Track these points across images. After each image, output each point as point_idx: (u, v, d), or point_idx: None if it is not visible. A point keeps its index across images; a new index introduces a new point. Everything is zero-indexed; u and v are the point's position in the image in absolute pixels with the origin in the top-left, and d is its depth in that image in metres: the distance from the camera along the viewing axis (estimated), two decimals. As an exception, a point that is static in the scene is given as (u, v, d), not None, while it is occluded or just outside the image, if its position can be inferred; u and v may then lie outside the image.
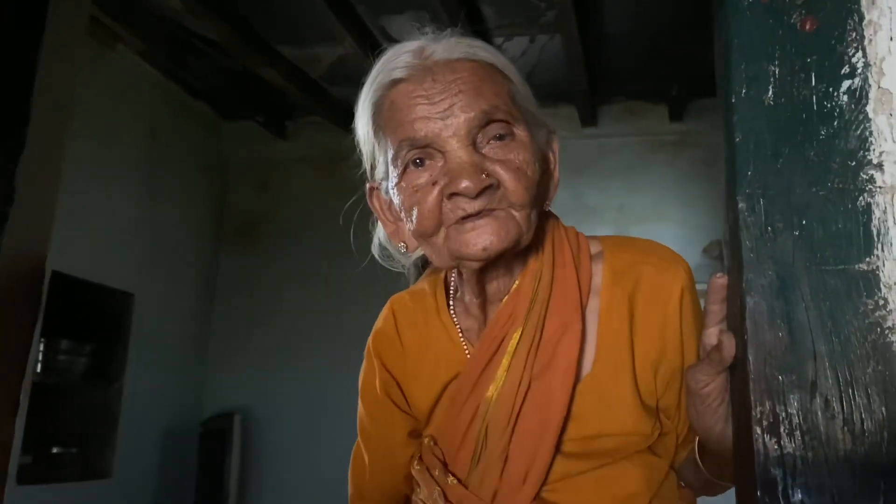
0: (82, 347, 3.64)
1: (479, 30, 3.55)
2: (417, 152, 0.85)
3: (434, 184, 0.84)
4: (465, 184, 0.80)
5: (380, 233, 1.01)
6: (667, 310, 0.90)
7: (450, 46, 0.87)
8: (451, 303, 1.00)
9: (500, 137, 0.85)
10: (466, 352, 0.96)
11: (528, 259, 0.93)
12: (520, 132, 0.86)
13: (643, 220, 4.25)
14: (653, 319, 0.90)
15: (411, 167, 0.86)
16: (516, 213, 0.84)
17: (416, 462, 0.97)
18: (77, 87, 1.05)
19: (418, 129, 0.84)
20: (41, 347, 3.43)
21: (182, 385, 4.37)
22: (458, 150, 0.83)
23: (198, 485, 4.23)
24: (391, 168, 0.88)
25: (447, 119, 0.83)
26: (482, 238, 0.82)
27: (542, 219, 0.94)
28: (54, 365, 3.50)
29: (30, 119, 0.88)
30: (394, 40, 3.45)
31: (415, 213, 0.86)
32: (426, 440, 0.98)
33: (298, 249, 4.49)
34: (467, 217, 0.83)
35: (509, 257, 0.90)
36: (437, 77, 0.85)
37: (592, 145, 4.43)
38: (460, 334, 0.98)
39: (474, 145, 0.83)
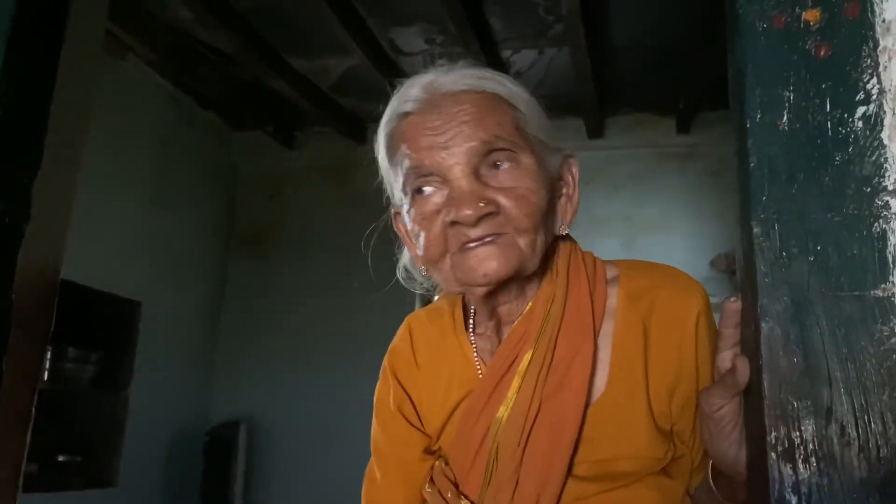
0: (89, 355, 3.64)
1: (487, 42, 3.56)
2: (423, 181, 0.88)
3: (438, 212, 0.86)
4: (463, 212, 0.83)
5: (404, 256, 1.02)
6: (682, 334, 0.90)
7: (456, 78, 0.90)
8: (469, 322, 1.01)
9: (498, 165, 0.87)
10: (479, 371, 0.97)
11: (543, 282, 0.94)
12: (525, 159, 0.87)
13: (651, 232, 4.25)
14: (668, 344, 0.90)
15: (418, 195, 0.89)
16: (520, 239, 0.85)
17: (427, 485, 0.97)
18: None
19: (423, 159, 0.87)
20: (48, 355, 3.44)
21: (188, 394, 4.38)
22: (459, 179, 0.85)
23: (203, 494, 4.23)
24: (403, 196, 0.91)
25: (450, 149, 0.85)
26: (484, 265, 0.85)
27: (558, 242, 0.96)
28: (61, 372, 3.51)
29: (46, 135, 0.89)
30: (402, 52, 3.50)
31: (422, 239, 0.88)
32: (438, 462, 0.98)
33: (306, 259, 4.51)
34: (470, 243, 0.85)
35: (520, 282, 0.91)
36: (443, 109, 0.87)
37: (600, 157, 4.43)
38: (475, 353, 0.98)
39: (477, 174, 0.86)
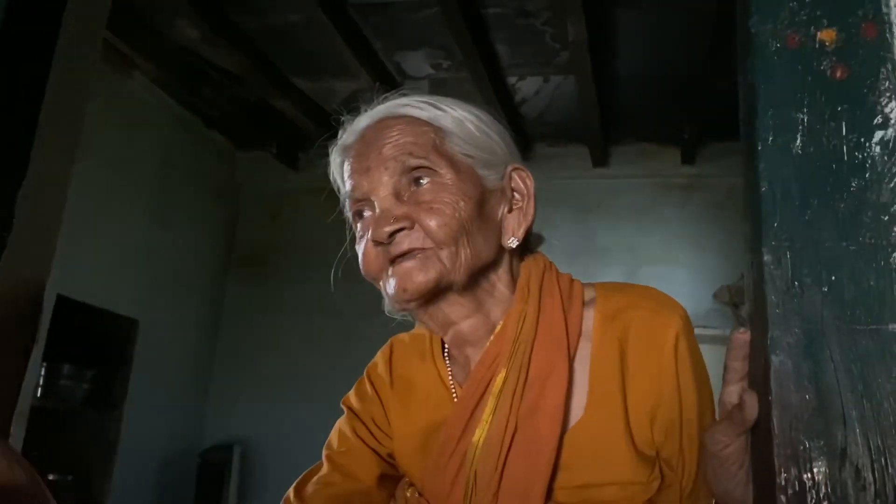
0: (84, 373, 3.60)
1: (493, 68, 3.56)
2: (359, 205, 0.93)
3: (369, 232, 0.91)
4: (378, 231, 0.87)
5: None
6: (661, 356, 0.88)
7: (383, 108, 0.96)
8: (445, 348, 1.01)
9: (419, 182, 0.90)
10: (454, 396, 0.96)
11: (514, 300, 0.93)
12: (445, 175, 0.90)
13: (653, 262, 4.22)
14: (647, 366, 0.88)
15: (359, 219, 0.94)
16: (441, 252, 0.87)
17: None
18: (91, 113, 1.05)
19: (352, 186, 0.93)
20: (42, 371, 3.40)
21: (182, 414, 4.33)
22: (381, 201, 0.90)
23: (194, 517, 4.16)
24: (351, 221, 0.97)
25: (370, 172, 0.91)
26: (402, 280, 0.87)
27: (526, 260, 0.97)
28: (55, 390, 3.47)
29: (34, 144, 0.86)
30: (408, 76, 3.49)
31: (359, 259, 0.93)
32: (410, 492, 0.96)
33: (307, 281, 4.46)
34: (395, 260, 0.88)
35: (469, 296, 0.91)
36: (367, 137, 0.94)
37: (603, 186, 4.42)
38: (451, 378, 0.98)
39: (398, 194, 0.90)
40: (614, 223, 4.34)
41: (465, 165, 0.92)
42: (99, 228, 3.51)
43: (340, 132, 0.99)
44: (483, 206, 0.91)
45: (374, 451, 1.02)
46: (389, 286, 0.89)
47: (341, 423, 1.08)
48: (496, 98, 3.70)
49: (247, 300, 4.67)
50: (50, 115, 0.90)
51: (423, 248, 0.87)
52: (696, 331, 0.93)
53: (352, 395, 1.08)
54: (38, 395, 3.39)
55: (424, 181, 0.90)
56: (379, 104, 0.96)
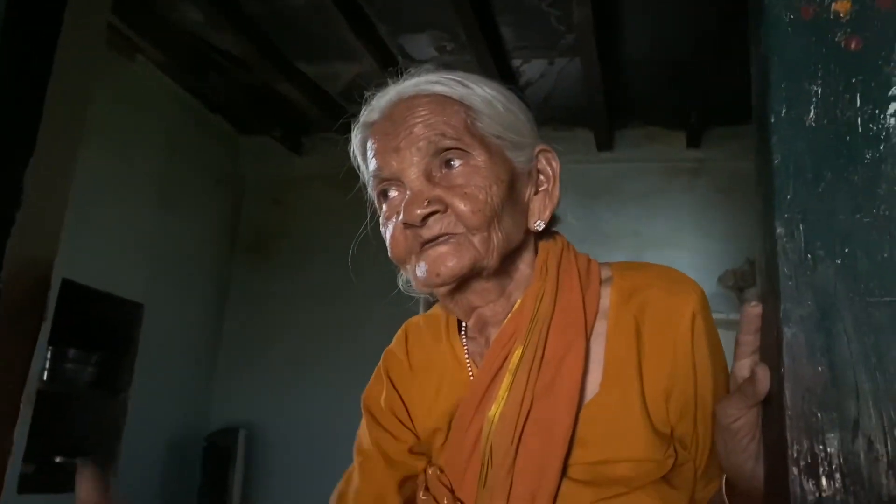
0: (89, 357, 3.62)
1: (497, 51, 3.54)
2: (385, 184, 0.91)
3: (398, 214, 0.89)
4: (410, 213, 0.86)
5: None
6: (677, 334, 0.88)
7: (412, 84, 0.93)
8: (462, 326, 1.01)
9: (450, 164, 0.89)
10: (471, 374, 0.96)
11: (532, 279, 0.93)
12: (477, 157, 0.89)
13: (658, 247, 4.20)
14: (662, 344, 0.88)
15: (384, 199, 0.93)
16: (474, 238, 0.87)
17: (422, 492, 0.95)
18: (95, 97, 1.05)
19: (380, 165, 0.91)
20: (48, 355, 3.42)
21: (188, 398, 4.35)
22: (412, 182, 0.88)
23: (200, 500, 4.18)
24: (375, 200, 0.96)
25: (401, 151, 0.88)
26: (435, 265, 0.86)
27: (540, 240, 0.96)
28: (61, 373, 3.48)
29: (41, 121, 0.86)
30: (412, 59, 3.47)
31: (386, 240, 0.92)
32: (431, 470, 0.96)
33: (311, 266, 4.47)
34: (426, 243, 0.87)
35: (495, 281, 0.91)
36: (395, 115, 0.91)
37: (608, 170, 4.40)
38: (467, 356, 0.98)
39: (429, 175, 0.88)
40: (619, 207, 4.33)
41: (495, 147, 0.90)
42: (103, 212, 3.51)
43: (365, 108, 0.96)
44: (513, 190, 0.91)
45: (392, 457, 1.01)
46: (420, 270, 0.88)
47: (367, 428, 1.05)
48: (500, 81, 3.68)
49: (251, 284, 4.67)
50: (56, 93, 0.90)
51: (455, 234, 0.86)
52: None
53: (369, 399, 1.07)
54: (45, 378, 3.40)
55: (457, 163, 0.88)
56: (405, 80, 0.93)
